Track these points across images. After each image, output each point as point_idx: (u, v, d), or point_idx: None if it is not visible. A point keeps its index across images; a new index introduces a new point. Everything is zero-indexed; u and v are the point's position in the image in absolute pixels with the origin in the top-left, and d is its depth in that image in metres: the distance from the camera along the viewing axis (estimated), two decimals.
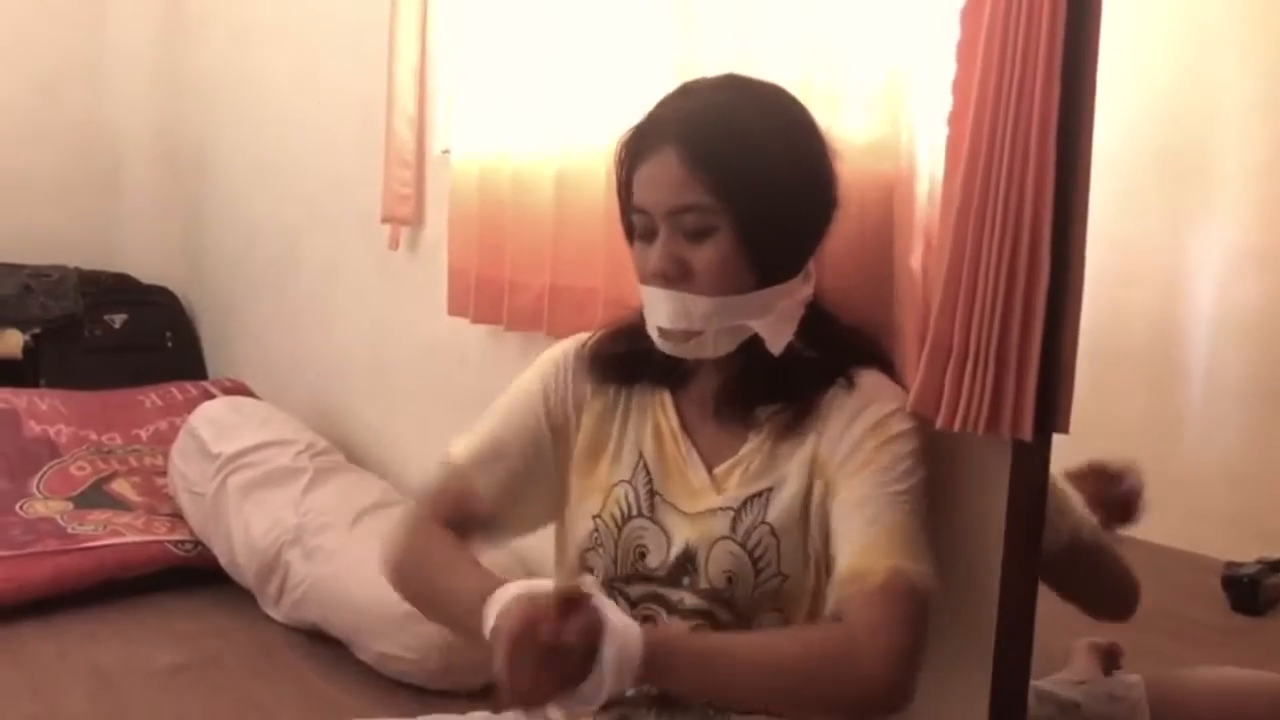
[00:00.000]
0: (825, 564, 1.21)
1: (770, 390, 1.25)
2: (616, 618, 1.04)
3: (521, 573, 1.99)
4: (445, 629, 1.36)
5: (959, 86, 1.22)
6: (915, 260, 1.32)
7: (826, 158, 1.25)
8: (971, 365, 1.21)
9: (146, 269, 3.45)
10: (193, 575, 2.40)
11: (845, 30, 1.40)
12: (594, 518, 1.28)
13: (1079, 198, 1.19)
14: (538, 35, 1.86)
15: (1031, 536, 1.27)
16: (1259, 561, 1.49)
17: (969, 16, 1.21)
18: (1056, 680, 1.49)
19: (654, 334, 1.23)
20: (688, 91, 1.24)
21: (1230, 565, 1.49)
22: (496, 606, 1.07)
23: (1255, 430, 1.54)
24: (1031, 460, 1.25)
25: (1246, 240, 1.53)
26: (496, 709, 1.09)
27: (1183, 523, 1.69)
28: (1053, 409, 1.21)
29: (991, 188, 1.18)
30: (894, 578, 1.11)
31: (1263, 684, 1.44)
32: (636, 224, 1.22)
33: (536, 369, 1.36)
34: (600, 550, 1.27)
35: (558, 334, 1.81)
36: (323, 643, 2.12)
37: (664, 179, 1.18)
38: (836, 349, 1.27)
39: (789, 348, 1.23)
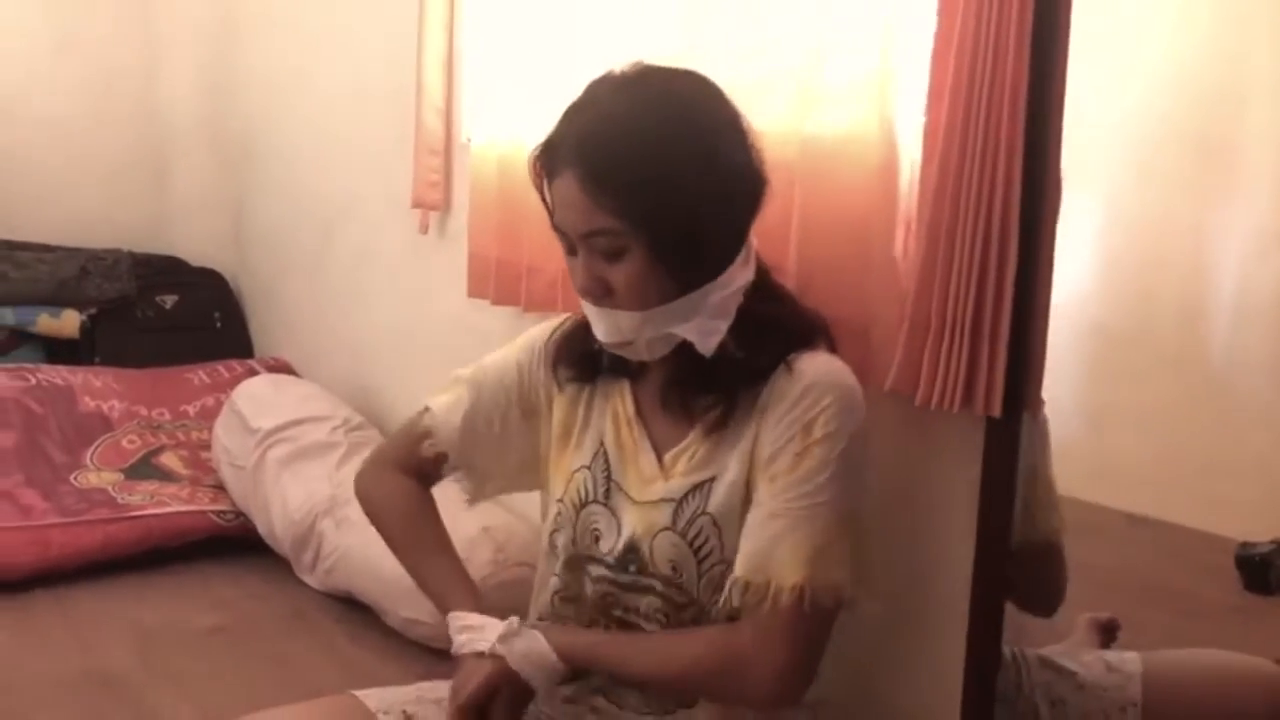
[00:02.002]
0: None
1: (703, 387, 1.25)
2: (528, 661, 1.23)
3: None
4: None
5: (935, 78, 1.27)
6: (897, 247, 1.37)
7: (742, 148, 1.20)
8: (948, 344, 1.25)
9: (196, 253, 3.51)
10: (234, 543, 2.49)
11: (834, 24, 1.45)
12: (558, 501, 1.33)
13: (1050, 183, 1.22)
14: (553, 31, 1.92)
15: (1003, 510, 1.32)
16: (1273, 542, 1.49)
17: (945, 10, 1.26)
18: (1055, 650, 1.53)
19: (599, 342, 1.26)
20: (590, 99, 1.20)
21: (1244, 545, 1.51)
22: (460, 640, 1.27)
23: (1277, 413, 1.54)
24: (1003, 436, 1.29)
25: (1272, 223, 1.54)
26: None
27: (1204, 505, 1.70)
28: (1024, 387, 1.27)
29: (965, 172, 1.22)
30: (795, 596, 1.14)
31: (1252, 670, 1.47)
32: (561, 240, 1.22)
33: (517, 348, 1.40)
34: (561, 532, 1.32)
35: (573, 314, 1.89)
36: (353, 608, 2.21)
37: (570, 203, 1.16)
38: (775, 339, 1.24)
39: (721, 345, 1.22)
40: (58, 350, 3.18)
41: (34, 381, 2.84)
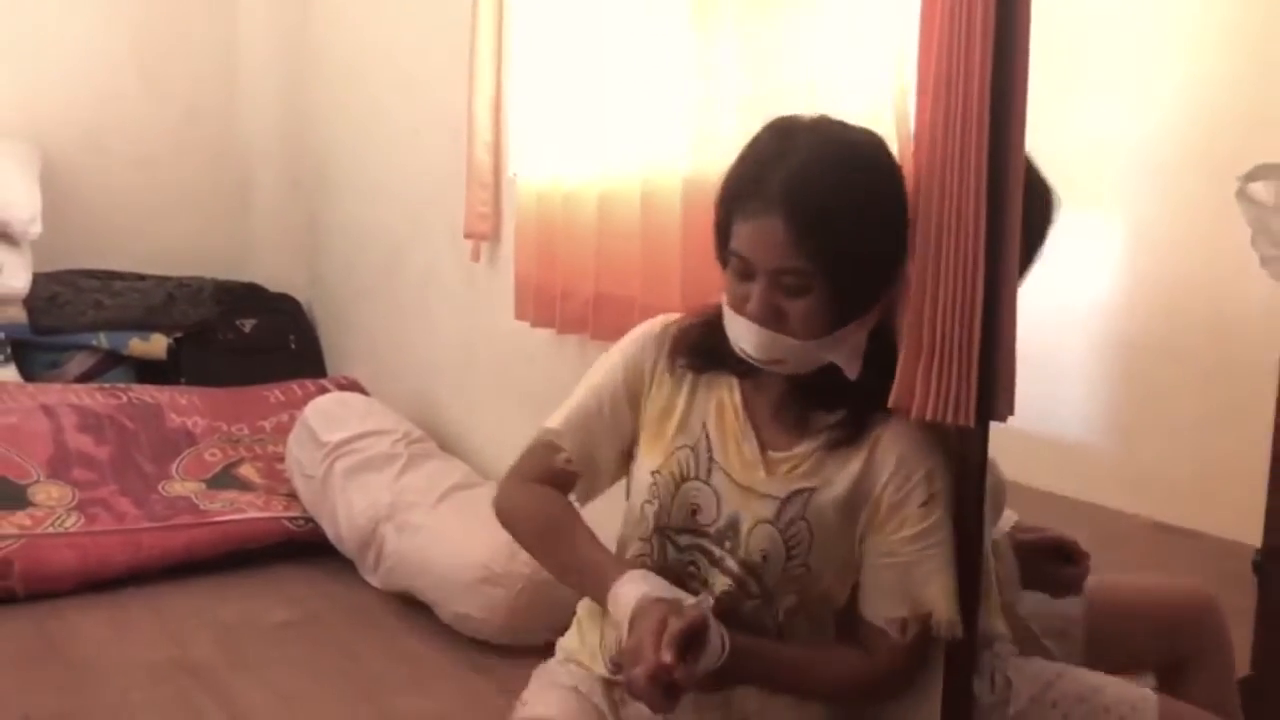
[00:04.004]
0: (853, 570, 1.36)
1: (830, 404, 1.35)
2: (713, 636, 1.23)
3: None
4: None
5: (918, 129, 1.37)
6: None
7: (906, 203, 1.32)
8: (939, 362, 1.32)
9: (273, 280, 3.69)
10: (304, 547, 2.66)
11: (827, 77, 1.60)
12: (653, 473, 1.38)
13: (1010, 220, 1.32)
14: (585, 80, 2.10)
15: (976, 508, 1.40)
16: None
17: (921, 71, 1.37)
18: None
19: (740, 352, 1.32)
20: (789, 147, 1.27)
21: (1260, 551, 1.62)
22: (627, 598, 1.26)
23: None
24: (972, 444, 1.38)
25: None
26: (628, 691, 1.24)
27: (1231, 514, 1.80)
28: (992, 400, 1.38)
29: (945, 210, 1.30)
30: (921, 630, 1.31)
31: (1176, 589, 1.60)
32: (734, 264, 1.30)
33: (621, 346, 1.46)
34: (655, 502, 1.37)
35: (602, 337, 2.04)
36: (412, 605, 2.38)
37: (769, 242, 1.25)
38: (891, 373, 1.34)
39: (861, 372, 1.33)
40: (147, 371, 3.36)
41: (126, 400, 3.03)
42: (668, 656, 1.16)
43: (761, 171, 1.27)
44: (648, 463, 1.40)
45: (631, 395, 1.43)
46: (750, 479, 1.35)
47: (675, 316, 1.47)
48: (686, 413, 1.40)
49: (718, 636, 1.24)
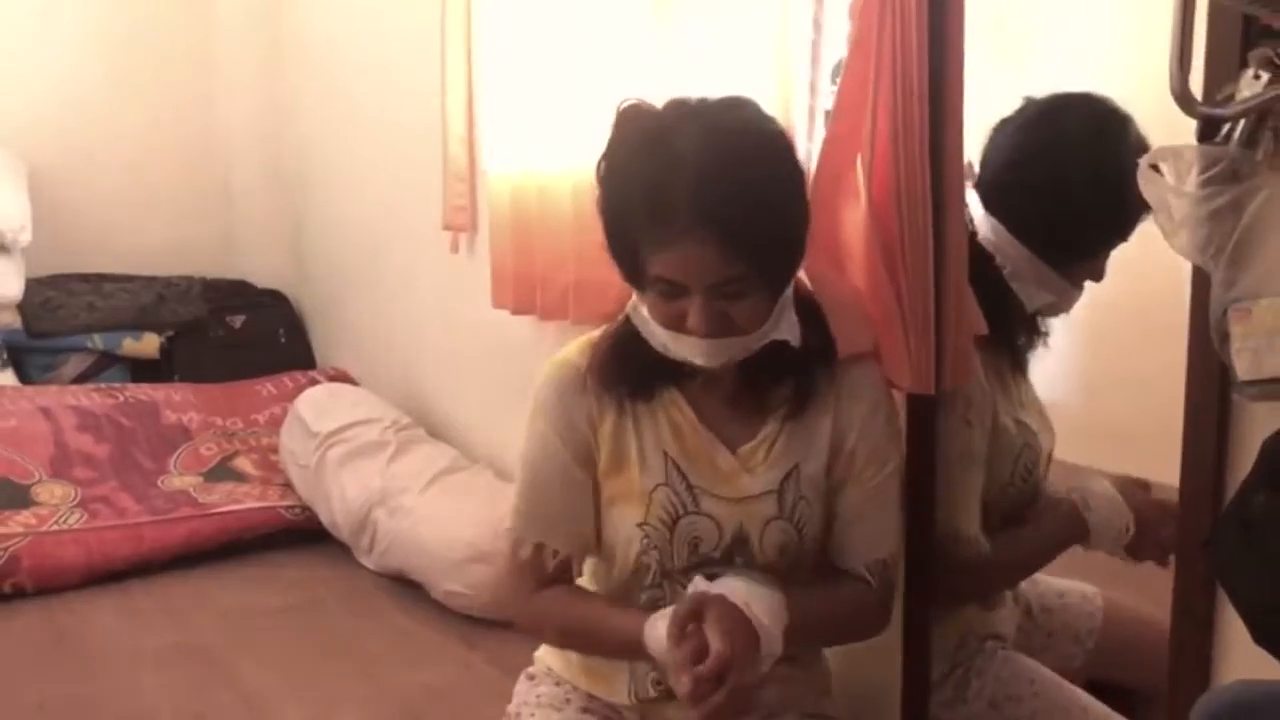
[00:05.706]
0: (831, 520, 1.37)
1: (778, 374, 1.32)
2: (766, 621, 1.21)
3: None
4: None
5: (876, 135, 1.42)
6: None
7: (798, 160, 1.27)
8: (914, 338, 1.38)
9: (261, 276, 3.77)
10: (301, 534, 2.76)
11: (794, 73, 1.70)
12: (640, 525, 1.31)
13: (953, 214, 1.40)
14: (554, 77, 2.18)
15: (928, 471, 1.51)
16: None
17: (875, 78, 1.45)
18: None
19: (689, 364, 1.27)
20: (680, 156, 1.18)
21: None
22: (657, 643, 1.22)
23: None
24: (925, 405, 1.49)
25: None
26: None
27: None
28: (940, 369, 1.45)
29: (893, 202, 1.37)
30: (897, 560, 1.40)
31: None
32: (660, 288, 1.22)
33: (541, 414, 1.35)
34: (654, 552, 1.32)
35: (583, 321, 2.09)
36: (405, 585, 2.48)
37: (699, 264, 1.18)
38: (822, 326, 1.34)
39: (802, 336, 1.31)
40: (141, 369, 3.44)
41: (122, 399, 3.10)
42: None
43: (660, 190, 1.18)
44: (628, 515, 1.33)
45: (582, 459, 1.35)
46: (737, 489, 1.32)
47: (574, 354, 1.37)
48: (641, 447, 1.33)
49: (775, 611, 1.23)
